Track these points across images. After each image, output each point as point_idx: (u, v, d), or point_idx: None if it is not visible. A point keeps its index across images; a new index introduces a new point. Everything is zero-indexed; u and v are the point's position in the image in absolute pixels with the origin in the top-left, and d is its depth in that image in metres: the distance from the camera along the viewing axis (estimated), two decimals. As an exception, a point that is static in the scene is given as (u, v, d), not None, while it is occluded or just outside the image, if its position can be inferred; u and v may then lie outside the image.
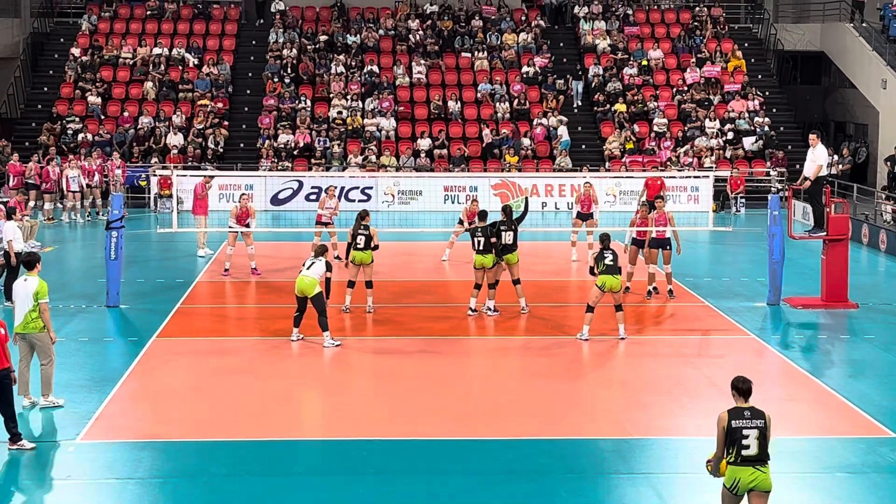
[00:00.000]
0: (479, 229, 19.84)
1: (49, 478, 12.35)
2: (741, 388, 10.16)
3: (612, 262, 17.94)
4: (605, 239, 18.33)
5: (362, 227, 19.84)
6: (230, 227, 23.75)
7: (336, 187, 25.62)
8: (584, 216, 24.76)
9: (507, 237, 19.79)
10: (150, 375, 16.24)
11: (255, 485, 12.05)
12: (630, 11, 43.77)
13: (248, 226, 23.69)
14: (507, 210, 20.40)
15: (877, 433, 13.88)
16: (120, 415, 14.45)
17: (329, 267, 17.89)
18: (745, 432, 9.93)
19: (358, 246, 19.78)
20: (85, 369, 16.36)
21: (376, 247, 19.89)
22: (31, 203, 31.89)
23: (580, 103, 39.58)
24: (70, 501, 11.80)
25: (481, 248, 19.60)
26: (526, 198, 19.91)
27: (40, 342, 14.33)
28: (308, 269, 17.76)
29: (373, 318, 19.79)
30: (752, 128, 38.49)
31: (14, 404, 13.11)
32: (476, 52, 41.45)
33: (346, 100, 38.97)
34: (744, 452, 9.90)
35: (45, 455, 12.86)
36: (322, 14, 43.45)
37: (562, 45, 43.02)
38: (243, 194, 24.48)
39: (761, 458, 9.95)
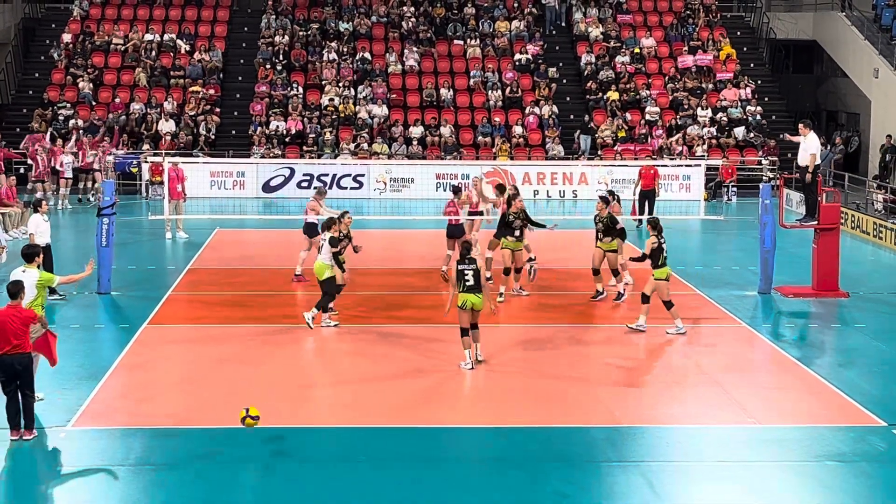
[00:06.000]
0: (513, 214, 20.12)
1: (40, 464, 12.33)
2: (656, 224, 18.05)
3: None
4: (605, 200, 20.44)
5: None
6: None
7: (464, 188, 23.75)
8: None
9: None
10: (142, 362, 16.22)
11: (246, 472, 12.05)
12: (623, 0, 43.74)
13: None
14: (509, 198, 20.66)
15: (867, 422, 13.92)
16: (111, 402, 14.43)
17: (334, 242, 17.86)
18: (664, 246, 17.93)
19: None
20: (76, 356, 16.32)
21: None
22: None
23: (588, 157, 37.50)
24: (61, 487, 11.78)
25: (518, 234, 20.03)
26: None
27: (36, 334, 14.29)
28: (320, 250, 18.13)
29: (365, 306, 19.77)
30: (745, 117, 38.52)
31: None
32: (468, 40, 41.40)
33: (339, 87, 38.91)
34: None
35: (36, 442, 12.83)
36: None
37: (554, 32, 42.96)
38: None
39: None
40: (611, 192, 22.34)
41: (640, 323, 18.03)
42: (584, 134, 37.78)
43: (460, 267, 15.86)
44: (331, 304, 18.25)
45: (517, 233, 20.12)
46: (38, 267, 14.57)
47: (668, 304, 17.94)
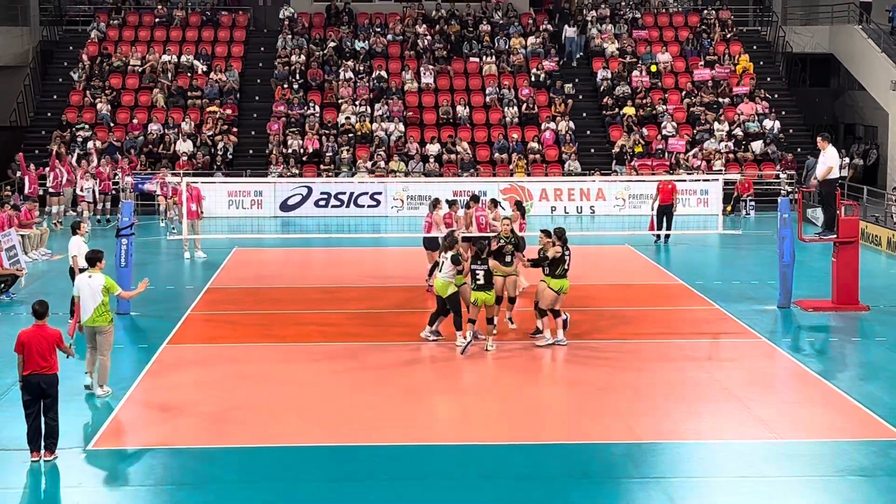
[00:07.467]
0: (504, 238, 19.03)
1: (59, 485, 12.35)
2: (562, 235, 17.84)
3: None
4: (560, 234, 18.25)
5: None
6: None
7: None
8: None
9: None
10: (161, 382, 16.25)
11: (265, 491, 12.05)
12: (638, 15, 43.76)
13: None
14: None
15: (888, 436, 13.83)
16: (131, 422, 14.47)
17: (455, 260, 17.67)
18: (566, 258, 17.77)
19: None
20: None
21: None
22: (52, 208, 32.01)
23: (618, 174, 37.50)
24: (82, 509, 11.82)
25: (508, 260, 18.74)
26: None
27: (104, 335, 15.13)
28: (440, 269, 17.95)
29: (382, 323, 19.77)
30: (761, 130, 38.46)
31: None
32: (484, 57, 41.47)
33: (355, 105, 39.02)
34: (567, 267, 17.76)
35: (56, 462, 12.85)
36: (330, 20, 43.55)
37: (573, 62, 42.89)
38: None
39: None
40: (518, 204, 21.79)
41: (559, 338, 18.03)
42: (619, 164, 37.46)
43: (472, 267, 17.46)
44: (471, 321, 17.95)
45: (507, 258, 18.56)
46: (102, 271, 14.99)
47: (555, 314, 17.89)
